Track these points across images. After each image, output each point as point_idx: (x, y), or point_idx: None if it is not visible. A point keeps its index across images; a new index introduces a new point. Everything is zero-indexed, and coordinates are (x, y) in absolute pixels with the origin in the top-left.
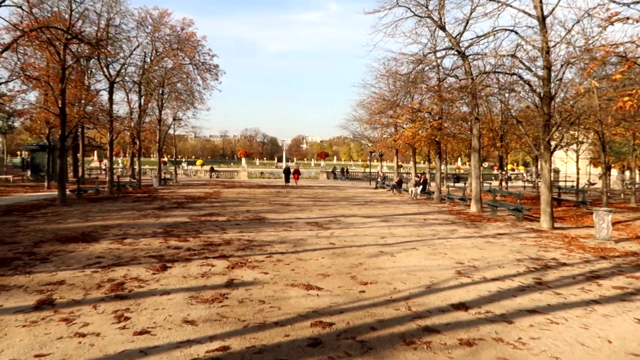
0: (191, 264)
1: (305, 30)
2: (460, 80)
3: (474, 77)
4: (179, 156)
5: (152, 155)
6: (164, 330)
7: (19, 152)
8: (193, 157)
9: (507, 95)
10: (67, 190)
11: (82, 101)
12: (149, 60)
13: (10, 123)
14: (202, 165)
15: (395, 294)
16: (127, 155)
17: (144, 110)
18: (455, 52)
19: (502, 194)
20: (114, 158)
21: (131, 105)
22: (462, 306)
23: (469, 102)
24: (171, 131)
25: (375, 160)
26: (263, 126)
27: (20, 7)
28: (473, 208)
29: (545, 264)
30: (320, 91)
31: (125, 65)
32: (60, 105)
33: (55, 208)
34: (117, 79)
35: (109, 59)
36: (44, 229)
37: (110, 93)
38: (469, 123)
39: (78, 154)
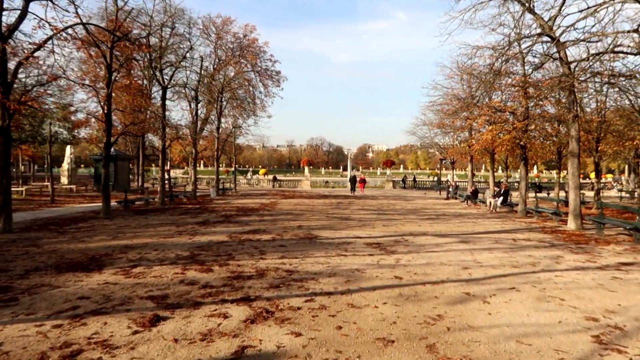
0: (197, 313)
1: (373, 40)
2: (560, 66)
3: (572, 64)
4: (247, 165)
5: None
6: None
7: None
8: (260, 166)
9: (606, 89)
10: (114, 201)
11: (141, 109)
12: (211, 68)
13: (74, 133)
14: (265, 174)
15: None
16: (189, 164)
17: (207, 118)
18: (548, 39)
19: (599, 206)
20: (184, 168)
21: (193, 114)
22: None
23: (565, 97)
24: (232, 139)
25: (444, 169)
26: (329, 135)
27: (51, 1)
28: (571, 225)
29: None
30: (387, 100)
31: (179, 70)
32: (105, 111)
33: (94, 222)
34: (170, 85)
35: (163, 64)
36: (58, 249)
37: (163, 99)
38: (562, 123)
39: (154, 164)
